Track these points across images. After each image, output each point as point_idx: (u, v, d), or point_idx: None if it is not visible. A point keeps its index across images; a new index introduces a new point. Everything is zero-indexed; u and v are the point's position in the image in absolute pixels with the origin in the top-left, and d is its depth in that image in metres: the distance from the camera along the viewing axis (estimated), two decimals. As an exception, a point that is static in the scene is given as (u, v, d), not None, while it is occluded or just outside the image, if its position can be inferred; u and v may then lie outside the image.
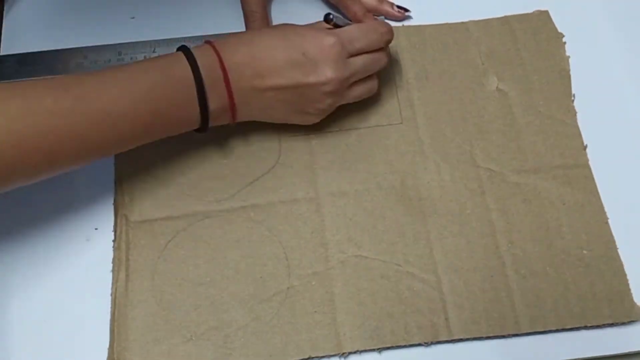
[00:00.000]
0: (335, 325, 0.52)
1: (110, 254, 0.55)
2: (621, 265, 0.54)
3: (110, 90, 0.48)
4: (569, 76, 0.62)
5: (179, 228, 0.55)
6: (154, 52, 0.62)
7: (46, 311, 0.53)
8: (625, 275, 0.53)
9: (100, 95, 0.47)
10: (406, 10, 0.64)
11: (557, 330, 0.52)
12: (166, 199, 0.56)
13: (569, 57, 0.62)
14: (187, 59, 0.51)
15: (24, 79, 0.56)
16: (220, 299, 0.53)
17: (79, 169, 0.50)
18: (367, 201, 0.56)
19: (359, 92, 0.57)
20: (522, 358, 0.51)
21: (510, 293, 0.52)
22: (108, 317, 0.52)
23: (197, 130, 0.53)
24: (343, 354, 0.51)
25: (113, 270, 0.54)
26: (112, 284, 0.53)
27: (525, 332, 0.51)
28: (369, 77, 0.57)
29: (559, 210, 0.56)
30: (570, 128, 0.59)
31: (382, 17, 0.63)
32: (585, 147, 0.58)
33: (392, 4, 0.64)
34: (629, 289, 0.53)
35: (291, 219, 0.56)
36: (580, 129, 0.59)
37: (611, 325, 0.52)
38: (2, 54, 0.63)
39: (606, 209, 0.56)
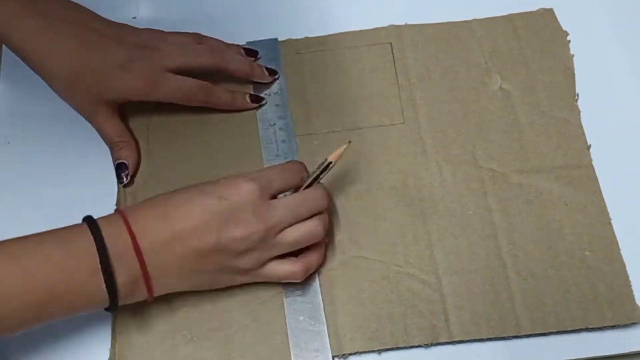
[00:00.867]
0: (335, 326, 0.52)
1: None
2: (623, 266, 0.53)
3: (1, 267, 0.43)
4: (573, 75, 0.61)
5: (181, 228, 0.55)
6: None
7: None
8: (627, 277, 0.53)
9: None
10: (261, 99, 0.60)
11: (558, 332, 0.51)
12: (168, 199, 0.57)
13: (573, 55, 0.62)
14: (90, 228, 0.45)
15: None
16: (221, 299, 0.53)
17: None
18: (368, 201, 0.56)
19: (293, 237, 0.49)
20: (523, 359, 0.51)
21: (511, 295, 0.52)
22: (110, 317, 0.53)
23: (107, 309, 0.47)
24: (343, 355, 0.51)
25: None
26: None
27: (526, 334, 0.51)
28: (307, 218, 0.50)
29: (561, 211, 0.55)
30: (573, 128, 0.59)
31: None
32: (588, 147, 0.58)
33: (244, 96, 0.60)
34: (631, 291, 0.52)
35: (292, 220, 0.56)
36: (584, 128, 0.59)
37: (612, 327, 0.52)
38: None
39: (609, 210, 0.55)
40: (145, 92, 0.54)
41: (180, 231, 0.46)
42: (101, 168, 0.58)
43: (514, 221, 0.55)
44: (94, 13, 0.55)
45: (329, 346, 0.51)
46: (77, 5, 0.55)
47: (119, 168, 0.57)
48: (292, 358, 0.51)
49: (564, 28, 0.63)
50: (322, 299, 0.53)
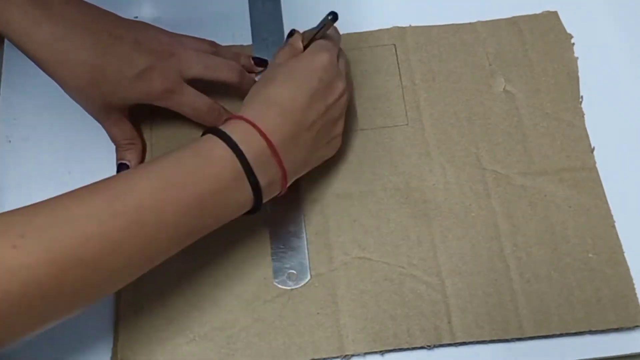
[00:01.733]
0: (338, 327, 0.52)
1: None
2: (627, 269, 0.53)
3: (143, 183, 0.43)
4: (577, 78, 0.61)
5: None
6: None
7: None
8: (631, 279, 0.53)
9: (134, 190, 0.43)
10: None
11: (560, 335, 0.51)
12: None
13: (577, 58, 0.62)
14: (220, 137, 0.47)
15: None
16: (224, 299, 0.53)
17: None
18: (371, 203, 0.56)
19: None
20: (526, 362, 0.51)
21: (514, 297, 0.52)
22: (112, 316, 0.53)
23: (247, 213, 0.49)
24: (345, 356, 0.51)
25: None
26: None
27: (529, 336, 0.51)
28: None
29: (565, 213, 0.55)
30: (577, 130, 0.59)
31: None
32: (592, 150, 0.58)
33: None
34: (635, 294, 0.52)
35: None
36: (588, 131, 0.59)
37: (616, 330, 0.51)
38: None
39: (613, 213, 0.55)
40: (159, 99, 0.54)
41: (299, 121, 0.49)
42: (103, 167, 0.58)
43: (517, 223, 0.55)
44: (112, 15, 0.54)
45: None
46: (95, 8, 0.53)
47: (120, 168, 0.57)
48: (294, 358, 0.51)
49: (568, 31, 0.63)
50: (325, 300, 0.53)
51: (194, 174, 0.45)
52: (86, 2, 0.53)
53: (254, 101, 0.50)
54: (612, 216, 0.55)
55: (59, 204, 0.42)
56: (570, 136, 0.58)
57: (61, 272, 0.39)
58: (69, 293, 0.40)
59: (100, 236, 0.41)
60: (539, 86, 0.61)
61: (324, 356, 0.51)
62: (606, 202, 0.56)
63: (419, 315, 0.52)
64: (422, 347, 0.51)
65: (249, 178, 0.46)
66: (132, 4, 0.65)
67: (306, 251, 0.54)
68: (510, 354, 0.51)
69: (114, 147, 0.59)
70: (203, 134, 0.48)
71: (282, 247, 0.54)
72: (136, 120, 0.58)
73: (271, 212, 0.56)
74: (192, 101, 0.55)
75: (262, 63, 0.61)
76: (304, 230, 0.55)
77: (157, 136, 0.59)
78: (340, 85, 0.53)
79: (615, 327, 0.51)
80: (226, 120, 0.49)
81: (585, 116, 0.59)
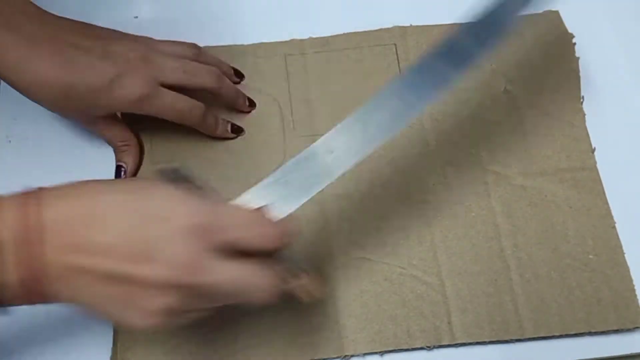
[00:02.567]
0: (337, 328, 0.52)
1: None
2: (627, 270, 0.53)
3: None
4: (578, 78, 0.61)
5: (184, 228, 0.55)
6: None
7: (49, 309, 0.53)
8: (631, 280, 0.53)
9: None
10: (241, 130, 0.59)
11: (560, 335, 0.51)
12: (171, 199, 0.57)
13: (578, 58, 0.62)
14: None
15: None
16: (224, 299, 0.53)
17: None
18: (371, 203, 0.56)
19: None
20: (526, 363, 0.51)
21: (515, 297, 0.52)
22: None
23: None
24: (345, 356, 0.51)
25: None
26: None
27: (529, 337, 0.51)
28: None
29: (565, 213, 0.55)
30: (578, 130, 0.59)
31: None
32: (593, 150, 0.58)
33: (227, 124, 0.58)
34: (635, 295, 0.52)
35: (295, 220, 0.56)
36: (589, 131, 0.59)
37: (616, 331, 0.51)
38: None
39: (613, 213, 0.55)
40: (137, 106, 0.52)
41: (93, 242, 0.38)
42: (103, 167, 0.58)
43: (517, 223, 0.55)
44: (82, 27, 0.52)
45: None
46: (65, 21, 0.52)
47: (117, 171, 0.57)
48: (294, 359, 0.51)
49: (570, 30, 0.63)
50: (325, 301, 0.53)
51: None
52: (55, 17, 0.52)
53: (75, 191, 0.39)
54: (612, 217, 0.55)
55: None
56: (571, 136, 0.58)
57: None
58: None
59: None
60: (540, 86, 0.60)
61: (323, 357, 0.51)
62: (606, 203, 0.56)
63: (418, 315, 0.52)
64: (421, 348, 0.51)
65: None
66: (132, 4, 0.65)
67: None
68: (510, 354, 0.51)
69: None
70: None
71: None
72: (130, 120, 0.58)
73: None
74: (172, 103, 0.53)
75: (239, 74, 0.60)
76: None
77: (156, 136, 0.59)
78: (157, 269, 0.38)
79: (616, 328, 0.51)
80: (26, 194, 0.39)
81: (586, 116, 0.59)
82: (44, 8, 0.51)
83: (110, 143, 0.57)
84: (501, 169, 0.57)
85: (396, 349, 0.51)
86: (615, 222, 0.55)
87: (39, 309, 0.52)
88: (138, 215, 0.38)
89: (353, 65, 0.62)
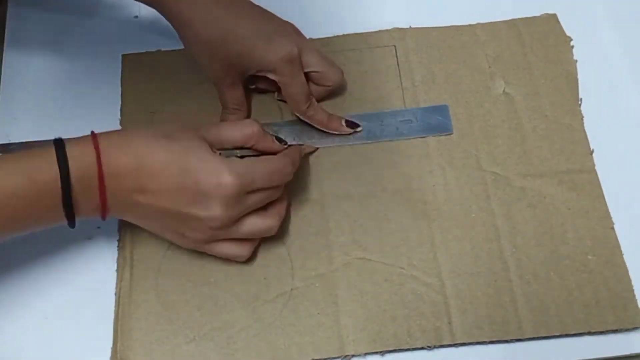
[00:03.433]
0: (338, 328, 0.52)
1: (112, 253, 0.55)
2: (626, 271, 0.53)
3: None
4: (576, 80, 0.61)
5: (184, 228, 0.55)
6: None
7: (49, 309, 0.53)
8: (630, 281, 0.53)
9: None
10: (356, 125, 0.59)
11: (560, 335, 0.51)
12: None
13: (576, 61, 0.62)
14: (58, 160, 0.46)
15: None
16: (224, 299, 0.53)
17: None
18: (371, 204, 0.56)
19: (248, 229, 0.51)
20: (525, 363, 0.51)
21: (514, 298, 0.52)
22: (111, 316, 0.52)
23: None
24: (346, 356, 0.51)
25: (117, 270, 0.54)
26: (117, 283, 0.53)
27: (528, 337, 0.51)
28: (266, 216, 0.52)
29: (564, 215, 0.55)
30: (576, 133, 0.59)
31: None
32: (591, 152, 0.58)
33: (340, 120, 0.59)
34: (634, 295, 0.52)
35: (295, 220, 0.56)
36: (587, 133, 0.59)
37: (615, 331, 0.52)
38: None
39: (612, 215, 0.55)
40: (276, 69, 0.55)
41: (145, 187, 0.47)
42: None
43: (517, 225, 0.55)
44: None
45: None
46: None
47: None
48: (295, 359, 0.51)
49: (567, 33, 0.63)
50: (325, 301, 0.53)
51: (13, 193, 0.45)
52: None
53: (127, 136, 0.48)
54: (611, 218, 0.55)
55: None
56: (569, 138, 0.59)
57: None
58: None
59: None
60: (538, 89, 0.61)
61: (324, 356, 0.51)
62: (605, 204, 0.56)
63: (419, 316, 0.52)
64: (422, 348, 0.51)
65: (65, 210, 0.46)
66: (132, 4, 0.65)
67: None
68: (510, 354, 0.51)
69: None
70: (54, 141, 0.47)
71: None
72: (248, 92, 0.60)
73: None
74: (302, 82, 0.57)
75: (353, 126, 0.59)
76: None
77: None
78: (216, 210, 0.48)
79: (614, 328, 0.51)
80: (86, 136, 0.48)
81: (584, 119, 0.60)
82: (44, 7, 0.51)
83: (225, 103, 0.59)
84: (500, 170, 0.57)
85: (397, 349, 0.51)
86: (613, 224, 0.55)
87: (39, 309, 0.53)
88: (188, 177, 0.47)
89: (352, 67, 0.62)
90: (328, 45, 0.63)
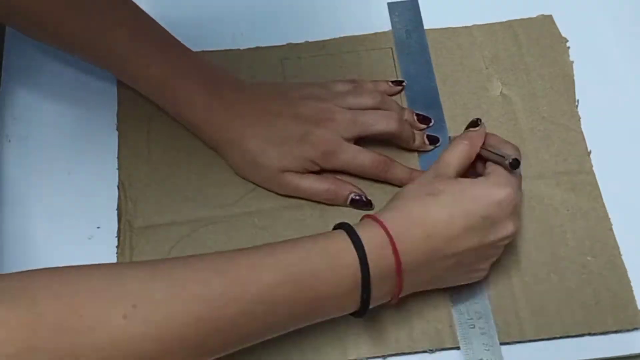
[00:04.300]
0: (339, 332, 0.52)
1: (112, 253, 0.55)
2: (625, 272, 0.54)
3: (267, 274, 0.43)
4: (573, 81, 0.62)
5: (183, 234, 0.55)
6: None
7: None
8: (629, 282, 0.53)
9: (257, 279, 0.43)
10: (437, 140, 0.59)
11: (560, 337, 0.52)
12: (170, 204, 0.56)
13: (572, 62, 0.62)
14: (353, 243, 0.45)
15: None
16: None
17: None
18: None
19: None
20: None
21: (515, 300, 0.52)
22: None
23: (352, 314, 0.48)
24: (348, 360, 0.51)
25: (117, 277, 0.54)
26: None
27: (529, 339, 0.51)
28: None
29: (563, 216, 0.56)
30: (574, 134, 0.59)
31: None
32: (589, 153, 0.58)
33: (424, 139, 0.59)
34: (633, 296, 0.53)
35: (295, 225, 0.56)
36: (584, 134, 0.59)
37: (615, 332, 0.52)
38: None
39: (610, 216, 0.56)
40: (321, 161, 0.55)
41: (441, 249, 0.47)
42: (103, 167, 0.58)
43: (516, 226, 0.55)
44: (268, 88, 0.58)
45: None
46: (252, 85, 0.58)
47: (360, 203, 0.56)
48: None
49: (563, 34, 0.64)
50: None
51: (317, 276, 0.44)
52: (249, 83, 0.58)
53: (400, 211, 0.48)
54: (609, 219, 0.56)
55: (176, 276, 0.41)
56: (567, 139, 0.59)
57: (164, 349, 0.39)
58: None
59: (210, 321, 0.41)
60: (535, 90, 0.61)
61: (326, 361, 0.51)
62: (603, 205, 0.56)
63: (420, 319, 0.52)
64: (423, 351, 0.51)
65: (362, 293, 0.45)
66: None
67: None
68: (511, 355, 0.51)
69: (113, 147, 0.59)
70: (335, 228, 0.48)
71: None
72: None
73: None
74: (355, 157, 0.55)
75: (425, 120, 0.59)
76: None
77: (154, 139, 0.59)
78: (509, 227, 0.49)
79: (614, 329, 0.52)
80: (363, 218, 0.48)
81: (581, 119, 0.60)
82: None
83: (319, 194, 0.56)
84: (499, 172, 0.57)
85: (399, 352, 0.51)
86: (612, 224, 0.55)
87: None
88: (469, 220, 0.47)
89: (350, 69, 0.62)
90: (325, 48, 0.63)
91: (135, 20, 0.55)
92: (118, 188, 0.57)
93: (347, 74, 0.62)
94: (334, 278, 0.45)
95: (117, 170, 0.58)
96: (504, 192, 0.48)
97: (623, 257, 0.54)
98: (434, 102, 0.60)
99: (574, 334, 0.52)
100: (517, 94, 0.61)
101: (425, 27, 0.64)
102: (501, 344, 0.51)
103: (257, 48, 0.63)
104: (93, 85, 0.62)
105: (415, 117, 0.59)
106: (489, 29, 0.64)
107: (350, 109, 0.56)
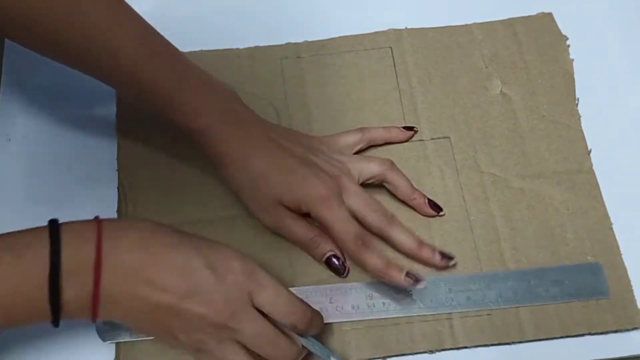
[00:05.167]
0: (340, 334, 0.52)
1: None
2: (625, 271, 0.54)
3: None
4: (573, 79, 0.61)
5: (183, 235, 0.55)
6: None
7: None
8: (629, 281, 0.53)
9: None
10: (450, 258, 0.53)
11: (560, 337, 0.52)
12: (169, 206, 0.56)
13: (572, 60, 0.62)
14: (51, 239, 0.41)
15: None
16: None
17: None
18: (371, 207, 0.56)
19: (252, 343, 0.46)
20: (527, 364, 0.52)
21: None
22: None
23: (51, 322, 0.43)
24: (348, 361, 0.51)
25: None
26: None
27: (529, 339, 0.51)
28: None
29: (563, 216, 0.56)
30: (574, 132, 0.59)
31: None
32: (589, 152, 0.58)
33: (433, 250, 0.53)
34: (633, 296, 0.53)
35: (295, 226, 0.56)
36: (584, 133, 0.59)
37: (615, 331, 0.52)
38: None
39: (610, 215, 0.56)
40: (314, 204, 0.52)
41: (150, 277, 0.43)
42: (103, 166, 0.58)
43: (516, 226, 0.55)
44: (280, 129, 0.56)
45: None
46: (263, 120, 0.56)
47: (333, 261, 0.53)
48: None
49: (564, 32, 0.63)
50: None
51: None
52: (259, 118, 0.56)
53: (133, 224, 0.45)
54: (609, 218, 0.56)
55: None
56: (567, 138, 0.59)
57: None
58: None
59: None
60: (535, 88, 0.61)
61: (326, 362, 0.51)
62: (603, 205, 0.56)
63: (420, 320, 0.52)
64: (424, 352, 0.51)
65: (50, 293, 0.41)
66: (132, 3, 0.65)
67: None
68: (511, 355, 0.51)
69: (113, 147, 0.59)
70: (49, 222, 0.43)
71: None
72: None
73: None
74: (343, 219, 0.52)
75: (436, 209, 0.56)
76: None
77: (154, 142, 0.59)
78: (218, 311, 0.44)
79: (614, 329, 0.52)
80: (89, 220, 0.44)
81: (581, 118, 0.60)
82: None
83: (301, 239, 0.54)
84: (499, 171, 0.57)
85: (399, 354, 0.51)
86: (612, 224, 0.55)
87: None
88: (191, 260, 0.44)
89: (349, 69, 0.62)
90: (324, 48, 0.63)
91: (145, 37, 0.52)
92: (118, 190, 0.57)
93: (347, 73, 0.62)
94: (17, 274, 0.41)
95: (116, 171, 0.58)
96: (238, 263, 0.46)
97: (623, 257, 0.54)
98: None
99: (573, 333, 0.52)
100: (517, 92, 0.61)
101: (425, 25, 0.64)
102: (501, 344, 0.51)
103: (256, 47, 0.63)
104: (93, 85, 0.61)
105: (426, 201, 0.56)
106: (489, 27, 0.64)
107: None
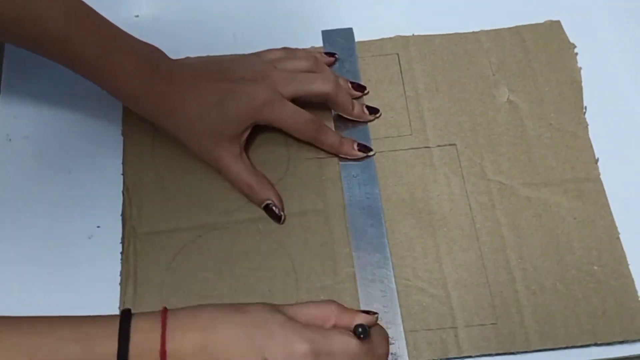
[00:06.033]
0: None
1: (111, 252, 0.55)
2: (632, 281, 0.53)
3: (6, 354, 0.40)
4: (581, 88, 0.61)
5: (187, 240, 0.55)
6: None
7: (48, 311, 0.52)
8: (636, 291, 0.53)
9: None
10: (369, 149, 0.58)
11: (566, 347, 0.51)
12: (174, 210, 0.56)
13: (580, 68, 0.62)
14: (120, 331, 0.41)
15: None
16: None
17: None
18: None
19: None
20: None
21: (521, 309, 0.52)
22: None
23: None
24: (351, 369, 0.51)
25: (121, 284, 0.53)
26: (120, 297, 0.53)
27: (535, 349, 0.51)
28: None
29: (569, 224, 0.55)
30: (581, 141, 0.59)
31: None
32: (596, 161, 0.58)
33: (352, 143, 0.58)
34: (640, 306, 0.52)
35: (299, 232, 0.55)
36: (592, 141, 0.59)
37: (622, 342, 0.51)
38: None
39: (617, 224, 0.55)
40: (260, 113, 0.55)
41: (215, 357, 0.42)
42: (103, 166, 0.58)
43: (522, 235, 0.55)
44: (203, 59, 0.60)
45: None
46: (186, 58, 0.59)
47: (269, 209, 0.56)
48: None
49: (571, 40, 0.63)
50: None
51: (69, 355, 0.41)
52: (182, 60, 0.59)
53: (192, 315, 0.43)
54: (616, 227, 0.55)
55: None
56: (574, 147, 0.58)
57: None
58: None
59: None
60: (543, 96, 0.61)
61: (329, 369, 0.51)
62: (610, 214, 0.56)
63: (424, 328, 0.52)
64: (428, 361, 0.51)
65: None
66: (132, 3, 0.65)
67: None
68: (516, 365, 0.51)
69: (113, 147, 0.59)
70: (122, 312, 0.43)
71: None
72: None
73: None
74: (292, 114, 0.56)
75: (360, 88, 0.60)
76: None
77: (159, 145, 0.59)
78: None
79: (621, 339, 0.51)
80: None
81: (589, 127, 0.59)
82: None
83: (241, 182, 0.56)
84: (505, 179, 0.57)
85: (403, 362, 0.51)
86: (619, 233, 0.55)
87: (39, 310, 0.51)
88: (256, 351, 0.42)
89: (355, 75, 0.62)
90: (331, 54, 0.63)
91: (68, 3, 0.53)
92: (123, 194, 0.57)
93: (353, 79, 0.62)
94: None
95: (118, 170, 0.58)
96: (301, 346, 0.42)
97: (630, 267, 0.54)
98: (364, 132, 0.59)
99: (580, 344, 0.51)
100: (524, 100, 0.60)
101: (433, 32, 0.64)
102: (506, 353, 0.51)
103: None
104: (94, 84, 0.62)
105: (349, 85, 0.60)
106: (496, 34, 0.64)
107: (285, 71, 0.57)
